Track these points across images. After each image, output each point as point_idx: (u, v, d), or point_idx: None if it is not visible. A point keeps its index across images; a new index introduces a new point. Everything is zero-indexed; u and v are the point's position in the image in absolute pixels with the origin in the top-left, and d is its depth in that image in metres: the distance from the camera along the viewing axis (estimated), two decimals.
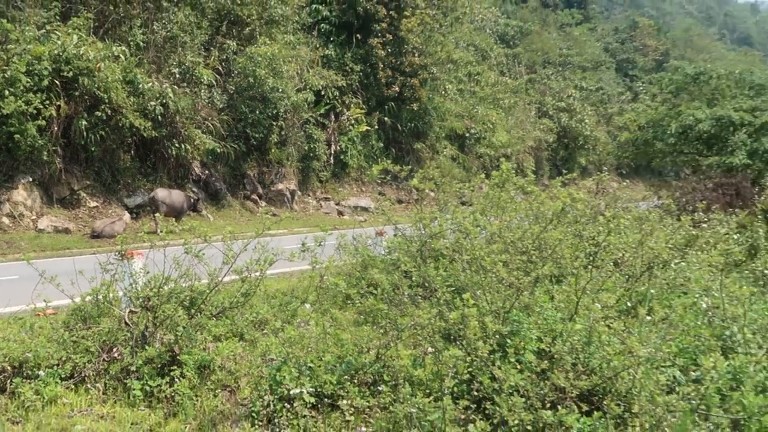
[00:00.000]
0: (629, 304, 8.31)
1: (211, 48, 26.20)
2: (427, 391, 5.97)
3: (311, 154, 31.67)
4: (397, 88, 35.22)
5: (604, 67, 78.77)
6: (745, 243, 13.28)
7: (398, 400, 5.84)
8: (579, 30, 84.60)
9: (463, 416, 5.84)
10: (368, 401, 6.27)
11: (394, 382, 6.23)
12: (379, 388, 6.24)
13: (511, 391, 5.55)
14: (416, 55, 35.84)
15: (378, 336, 7.02)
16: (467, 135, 43.78)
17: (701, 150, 23.41)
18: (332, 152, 33.80)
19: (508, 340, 6.35)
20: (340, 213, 32.65)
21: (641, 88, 67.50)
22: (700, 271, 10.12)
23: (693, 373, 6.75)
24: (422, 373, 6.00)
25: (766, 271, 10.77)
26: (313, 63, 32.21)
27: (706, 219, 12.86)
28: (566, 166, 49.13)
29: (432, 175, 10.32)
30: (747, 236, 13.55)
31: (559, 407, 5.71)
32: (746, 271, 11.83)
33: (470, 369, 6.03)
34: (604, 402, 5.82)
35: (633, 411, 5.71)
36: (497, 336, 6.31)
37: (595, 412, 5.59)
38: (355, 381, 6.45)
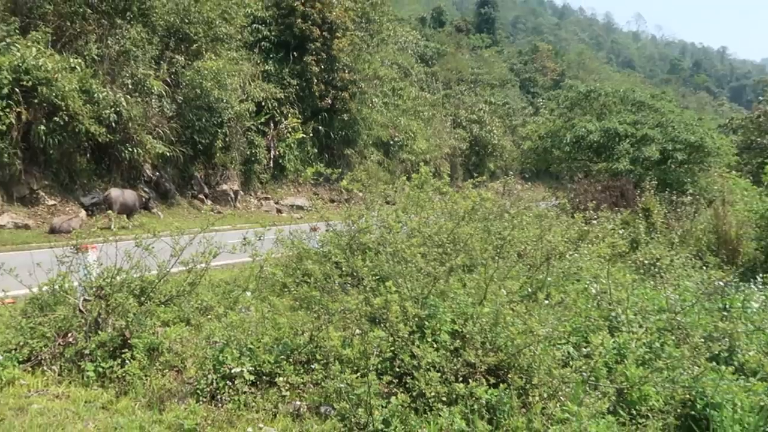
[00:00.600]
0: (530, 290, 8.43)
1: (162, 62, 25.70)
2: (355, 368, 5.95)
3: (253, 158, 31.59)
4: (329, 101, 35.34)
5: (509, 84, 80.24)
6: (628, 237, 13.68)
7: (329, 376, 5.82)
8: (488, 52, 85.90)
9: (386, 390, 5.84)
10: (302, 378, 6.23)
11: (325, 361, 6.19)
12: (312, 366, 6.19)
13: (428, 367, 5.58)
14: (346, 71, 35.93)
15: (311, 320, 6.97)
16: (392, 142, 44.02)
17: (592, 157, 24.04)
18: (272, 157, 33.67)
19: (426, 323, 6.37)
20: (279, 211, 32.50)
21: (541, 103, 68.96)
22: (590, 261, 10.36)
23: (584, 349, 6.89)
24: (350, 353, 5.98)
25: (645, 261, 11.11)
26: (255, 77, 31.98)
27: (595, 217, 13.18)
28: (477, 170, 49.76)
29: (360, 178, 10.29)
30: (630, 231, 13.96)
31: (470, 381, 5.75)
32: (629, 261, 12.19)
33: (393, 348, 6.05)
34: (509, 375, 5.89)
35: (533, 383, 5.79)
36: (416, 319, 6.33)
37: (501, 385, 5.66)
38: (291, 360, 6.39)
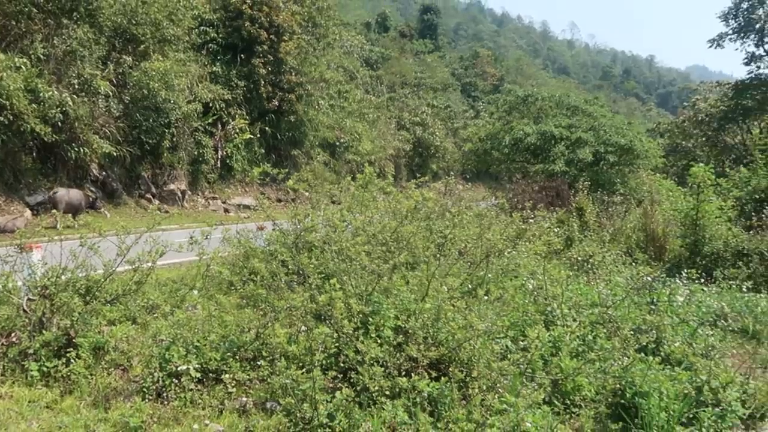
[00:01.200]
0: (470, 286, 8.52)
1: (109, 62, 24.98)
2: (300, 364, 5.89)
3: (200, 158, 31.04)
4: (276, 102, 34.99)
5: (451, 89, 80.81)
6: (563, 235, 13.97)
7: (275, 372, 5.75)
8: (431, 57, 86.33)
9: (331, 385, 5.81)
10: (249, 374, 6.13)
11: (271, 358, 6.13)
12: (259, 363, 6.12)
13: (371, 362, 5.57)
14: (293, 74, 35.64)
15: (258, 317, 6.90)
16: (337, 144, 43.89)
17: (529, 159, 24.44)
18: (219, 157, 33.14)
19: (370, 319, 6.37)
20: (227, 210, 32.02)
21: (482, 107, 69.88)
22: (527, 258, 10.54)
23: (521, 343, 6.99)
24: (296, 349, 5.92)
25: (579, 258, 11.36)
26: (202, 78, 31.42)
27: (532, 216, 13.41)
28: (420, 171, 50.05)
29: (306, 178, 10.23)
30: (565, 230, 14.26)
31: (413, 375, 5.78)
32: (564, 258, 12.45)
33: (337, 344, 6.02)
34: (450, 369, 5.93)
35: (473, 376, 5.85)
36: (360, 315, 6.32)
37: (443, 378, 5.70)
38: (237, 357, 6.29)
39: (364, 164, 41.70)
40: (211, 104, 31.79)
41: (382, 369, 5.67)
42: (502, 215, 13.84)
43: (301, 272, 7.77)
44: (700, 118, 37.22)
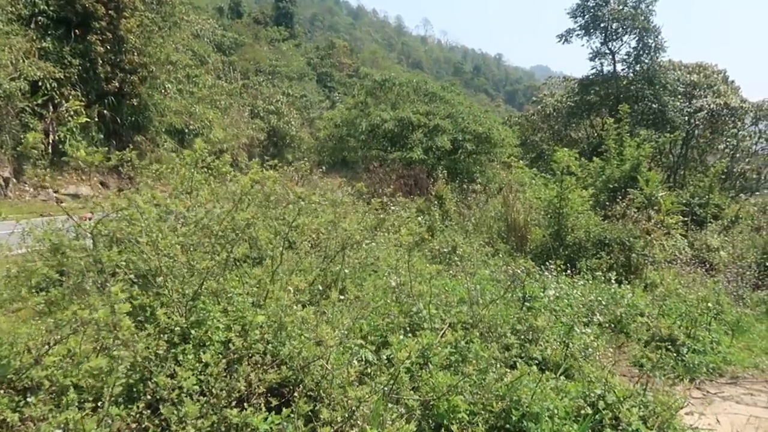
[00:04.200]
0: (325, 284, 7.23)
1: None
2: (95, 396, 4.28)
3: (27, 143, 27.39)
4: (117, 84, 32.00)
5: (307, 78, 79.18)
6: (425, 225, 13.03)
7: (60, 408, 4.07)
8: (286, 45, 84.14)
9: (134, 424, 4.24)
10: (22, 413, 4.39)
11: (57, 388, 4.43)
12: (29, 399, 4.39)
13: (179, 396, 4.05)
14: (136, 54, 32.73)
15: (49, 331, 5.14)
16: (186, 130, 41.13)
17: (387, 146, 23.49)
18: (50, 142, 29.62)
19: (193, 332, 4.85)
20: (59, 200, 28.56)
21: (338, 97, 68.95)
22: (387, 250, 9.42)
23: (384, 352, 5.78)
24: (88, 374, 4.28)
25: (443, 249, 10.39)
26: (29, 54, 27.89)
27: (391, 203, 12.34)
28: (276, 161, 48.26)
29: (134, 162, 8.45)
30: (426, 219, 13.33)
31: (247, 404, 4.36)
32: (426, 249, 11.48)
33: (146, 366, 4.46)
34: (296, 394, 4.57)
35: (325, 403, 4.51)
36: (179, 328, 4.79)
37: (284, 409, 4.31)
38: (5, 387, 4.54)
39: (216, 152, 39.29)
40: (40, 83, 28.38)
41: (205, 399, 4.20)
42: (359, 203, 12.72)
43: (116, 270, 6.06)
44: (547, 112, 38.18)
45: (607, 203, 15.79)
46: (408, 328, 6.60)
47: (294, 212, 6.04)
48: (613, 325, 9.42)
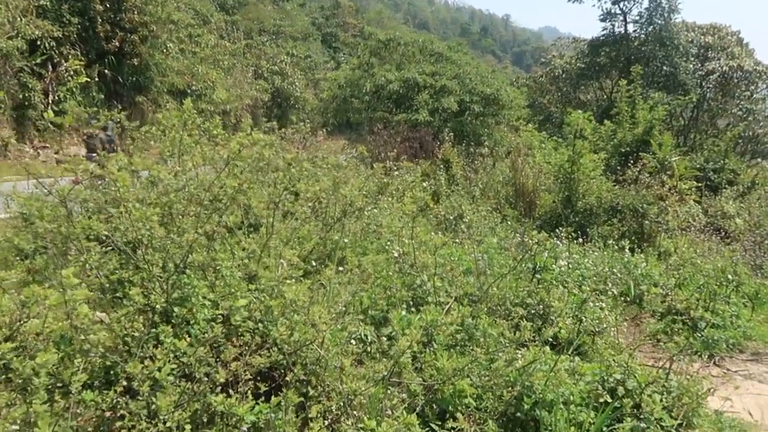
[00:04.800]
0: (316, 258, 6.80)
1: None
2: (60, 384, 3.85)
3: (27, 103, 27.00)
4: (117, 43, 31.29)
5: (312, 38, 77.82)
6: (430, 190, 12.56)
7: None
8: (290, 5, 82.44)
9: (109, 411, 3.83)
10: None
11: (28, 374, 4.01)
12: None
13: (162, 382, 3.61)
14: (136, 12, 31.95)
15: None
16: (189, 91, 40.32)
17: (391, 108, 22.82)
18: (50, 102, 29.06)
19: (176, 310, 4.40)
20: (59, 161, 28.23)
21: (343, 58, 67.79)
22: (391, 217, 8.95)
23: (384, 330, 5.35)
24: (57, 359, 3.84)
25: (449, 216, 9.91)
26: (26, 12, 27.17)
27: (395, 167, 11.82)
28: (280, 122, 47.53)
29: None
30: (431, 184, 12.83)
31: (233, 390, 3.95)
32: (431, 216, 11.03)
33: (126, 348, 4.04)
34: (288, 378, 4.14)
35: (319, 390, 4.09)
36: (159, 306, 4.34)
37: (273, 398, 3.89)
38: None
39: (220, 114, 38.70)
40: (38, 42, 27.73)
41: (188, 384, 3.78)
42: (362, 167, 12.24)
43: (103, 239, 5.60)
44: (556, 74, 37.33)
45: (619, 168, 15.23)
46: (411, 302, 6.16)
47: (285, 178, 5.54)
48: (626, 297, 9.00)
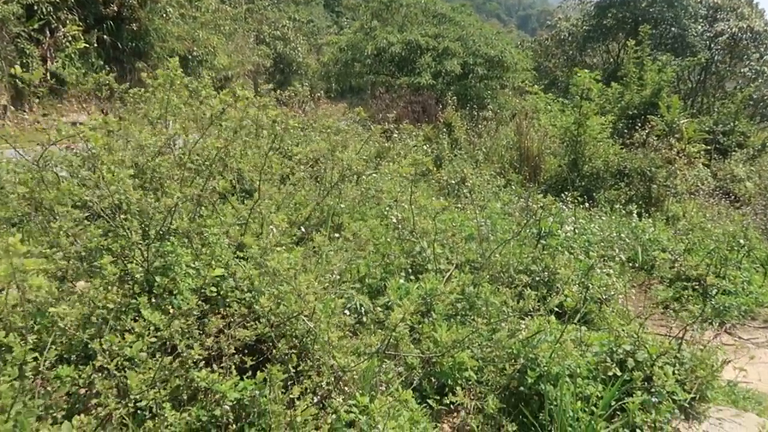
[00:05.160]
0: (312, 224, 6.51)
1: None
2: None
3: (25, 70, 26.34)
4: (115, 8, 30.60)
5: (314, 2, 76.58)
6: (432, 154, 12.21)
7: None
8: None
9: (85, 389, 3.57)
10: None
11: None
12: None
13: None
14: None
15: None
16: (189, 57, 39.62)
17: (394, 71, 22.29)
18: (48, 68, 28.56)
19: (157, 279, 4.13)
20: (59, 129, 27.80)
21: (345, 23, 66.68)
22: (391, 181, 8.63)
23: (380, 300, 5.09)
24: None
25: (451, 181, 9.58)
26: None
27: (396, 129, 11.46)
28: (282, 88, 46.88)
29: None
30: (433, 148, 12.48)
31: (217, 364, 3.69)
32: (433, 181, 10.72)
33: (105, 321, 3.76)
34: (275, 352, 3.88)
35: (310, 363, 3.82)
36: (139, 275, 4.07)
37: (259, 373, 3.61)
38: None
39: (221, 80, 38.13)
40: (35, 7, 27.13)
41: (171, 358, 3.52)
42: (362, 130, 11.88)
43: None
44: (562, 37, 36.59)
45: (626, 131, 14.80)
46: (410, 270, 5.88)
47: (271, 137, 5.21)
48: (634, 262, 8.71)
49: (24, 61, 26.79)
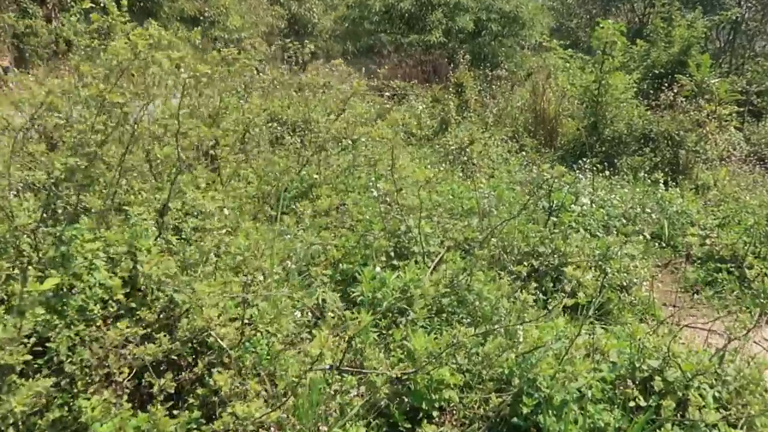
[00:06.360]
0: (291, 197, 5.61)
1: None
2: None
3: (28, 31, 25.78)
4: None
5: None
6: (438, 116, 11.17)
7: None
8: None
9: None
10: None
11: None
12: None
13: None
14: None
15: None
16: (201, 18, 38.50)
17: (403, 30, 21.03)
18: (53, 29, 27.75)
19: (53, 271, 3.21)
20: (65, 92, 27.15)
21: None
22: (386, 148, 7.64)
23: (353, 291, 4.16)
24: None
25: (454, 147, 8.56)
26: None
27: (396, 91, 10.44)
28: (298, 51, 45.65)
29: None
30: (440, 110, 11.42)
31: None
32: (437, 146, 9.74)
33: None
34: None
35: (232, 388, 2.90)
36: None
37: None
38: None
39: (234, 42, 37.10)
40: None
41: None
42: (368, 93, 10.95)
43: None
44: None
45: (651, 92, 13.56)
46: (393, 254, 4.91)
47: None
48: (659, 239, 7.67)
49: (28, 21, 26.12)
